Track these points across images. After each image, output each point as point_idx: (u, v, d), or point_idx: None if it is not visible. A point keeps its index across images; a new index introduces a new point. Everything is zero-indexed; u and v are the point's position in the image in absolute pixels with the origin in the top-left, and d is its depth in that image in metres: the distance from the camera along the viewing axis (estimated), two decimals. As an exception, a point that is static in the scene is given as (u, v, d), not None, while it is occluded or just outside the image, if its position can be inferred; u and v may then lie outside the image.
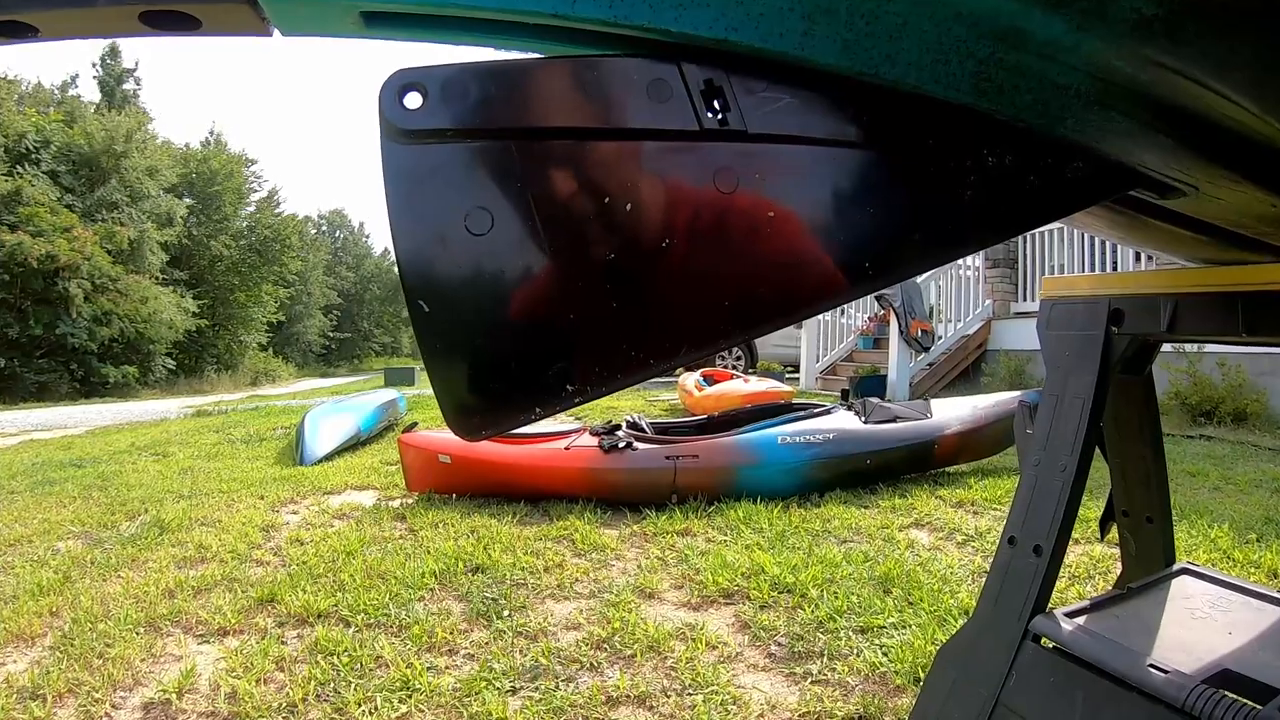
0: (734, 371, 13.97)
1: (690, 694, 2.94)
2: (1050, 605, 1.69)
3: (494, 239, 0.55)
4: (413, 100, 0.56)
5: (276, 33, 0.58)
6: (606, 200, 0.56)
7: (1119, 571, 2.25)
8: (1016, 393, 7.73)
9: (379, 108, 0.56)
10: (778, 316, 0.59)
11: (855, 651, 3.21)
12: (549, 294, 0.56)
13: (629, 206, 0.56)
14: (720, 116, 0.58)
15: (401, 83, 0.56)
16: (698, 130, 0.57)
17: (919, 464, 6.47)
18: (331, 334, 64.48)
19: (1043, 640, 1.62)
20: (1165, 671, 1.42)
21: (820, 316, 15.54)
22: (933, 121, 0.64)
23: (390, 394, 12.21)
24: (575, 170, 0.57)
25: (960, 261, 13.86)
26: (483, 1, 0.53)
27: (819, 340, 15.83)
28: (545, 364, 0.56)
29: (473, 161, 0.56)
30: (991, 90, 0.62)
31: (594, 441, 5.87)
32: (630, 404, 12.02)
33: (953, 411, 6.67)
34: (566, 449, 5.83)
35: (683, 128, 0.57)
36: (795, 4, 0.55)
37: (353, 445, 9.22)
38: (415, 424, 6.38)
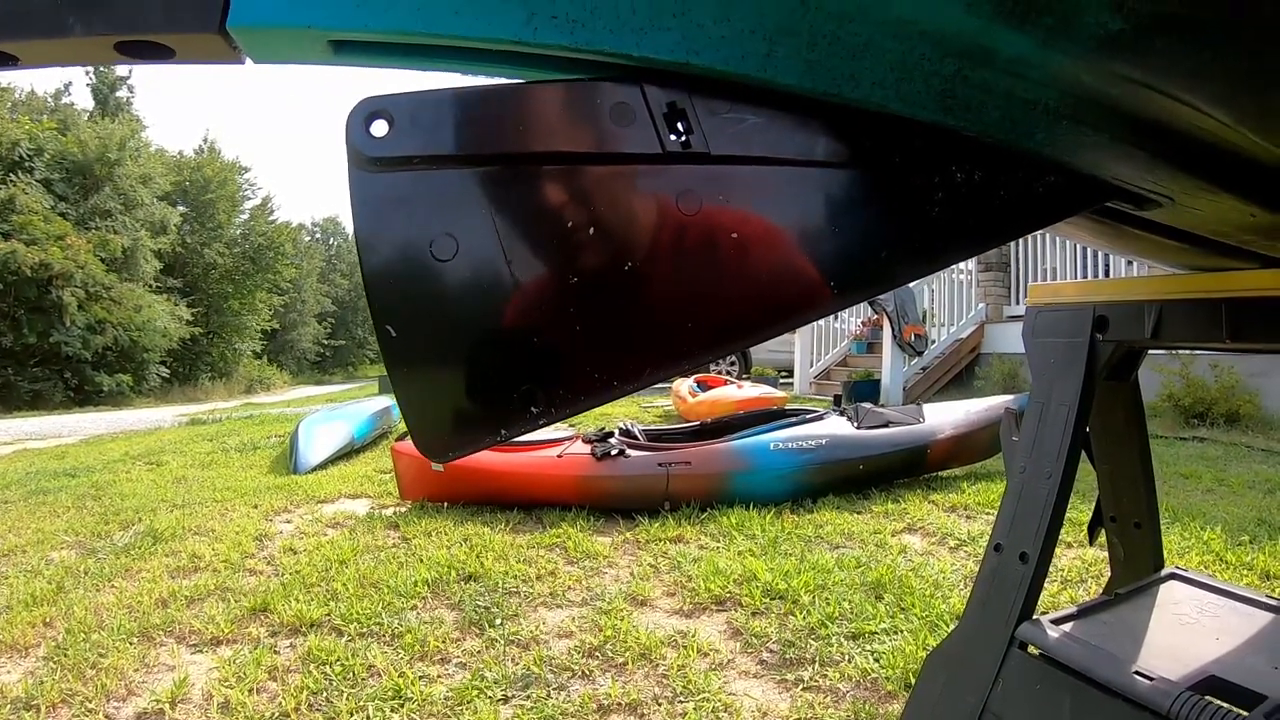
0: (727, 377, 13.96)
1: (682, 701, 2.93)
2: (1041, 610, 1.69)
3: (459, 265, 0.55)
4: (379, 128, 0.56)
5: (249, 61, 0.59)
6: (570, 225, 0.56)
7: (1109, 576, 2.25)
8: (1009, 397, 7.74)
9: (346, 135, 0.56)
10: (743, 337, 0.59)
11: (847, 658, 3.21)
12: (513, 318, 0.56)
13: (592, 231, 0.56)
14: (683, 139, 0.58)
15: (368, 110, 0.56)
16: (660, 153, 0.57)
17: (912, 469, 6.47)
18: (326, 341, 64.31)
19: (1029, 647, 1.63)
20: (1151, 678, 1.42)
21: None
22: (899, 139, 0.64)
23: (384, 402, 12.16)
24: (539, 195, 0.57)
25: (952, 265, 13.88)
26: (445, 29, 0.54)
27: (812, 345, 15.85)
28: (510, 387, 0.56)
29: (438, 188, 0.56)
30: (958, 107, 0.62)
31: (587, 449, 5.86)
32: (624, 411, 12.02)
33: (946, 416, 6.67)
34: (559, 456, 5.83)
35: (645, 151, 0.57)
36: (757, 26, 0.55)
37: (346, 453, 9.21)
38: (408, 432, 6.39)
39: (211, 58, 0.58)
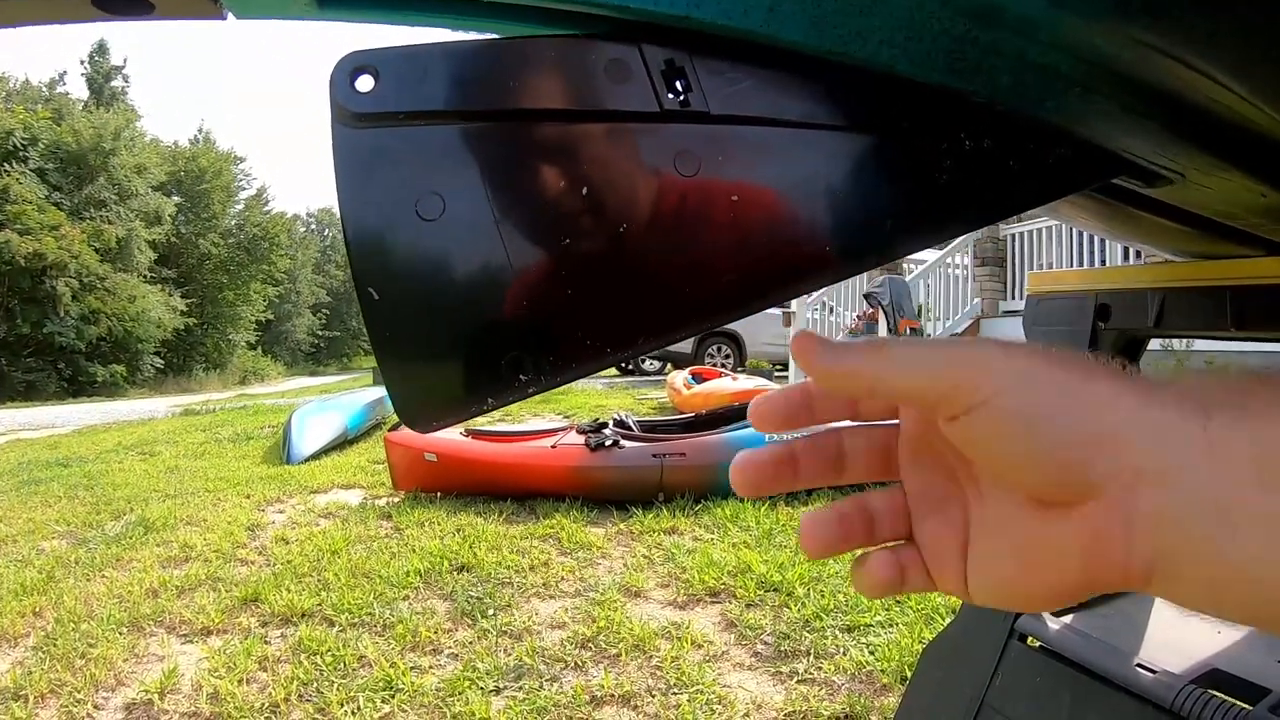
0: (722, 369, 13.97)
1: (675, 693, 2.92)
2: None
3: (445, 224, 0.53)
4: (364, 83, 0.54)
5: (230, 16, 0.56)
6: (561, 184, 0.53)
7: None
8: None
9: (330, 91, 0.54)
10: (738, 305, 0.57)
11: (842, 650, 3.20)
12: (500, 281, 0.53)
13: (585, 191, 0.53)
14: (681, 97, 0.55)
15: (353, 65, 0.54)
16: (658, 112, 0.55)
17: (908, 461, 6.45)
18: (320, 332, 64.32)
19: (1029, 639, 1.61)
20: (1154, 671, 1.40)
21: (808, 315, 15.56)
22: (906, 102, 0.61)
23: (378, 392, 12.13)
24: (529, 154, 0.54)
25: (948, 260, 13.89)
26: (433, -20, 0.52)
27: (808, 338, 15.81)
28: (497, 353, 0.54)
29: (424, 145, 0.54)
30: (967, 70, 0.60)
31: (581, 439, 5.86)
32: (618, 402, 12.01)
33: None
34: (553, 447, 5.82)
35: (642, 109, 0.54)
36: (760, -22, 0.53)
37: (340, 444, 9.18)
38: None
39: (191, 13, 0.56)
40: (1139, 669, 1.41)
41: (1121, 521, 0.39)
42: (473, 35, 0.59)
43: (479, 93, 0.54)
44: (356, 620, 3.68)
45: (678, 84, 0.55)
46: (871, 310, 13.81)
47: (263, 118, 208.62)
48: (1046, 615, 1.62)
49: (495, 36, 0.57)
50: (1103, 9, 0.59)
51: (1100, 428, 0.40)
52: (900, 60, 0.58)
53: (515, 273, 0.52)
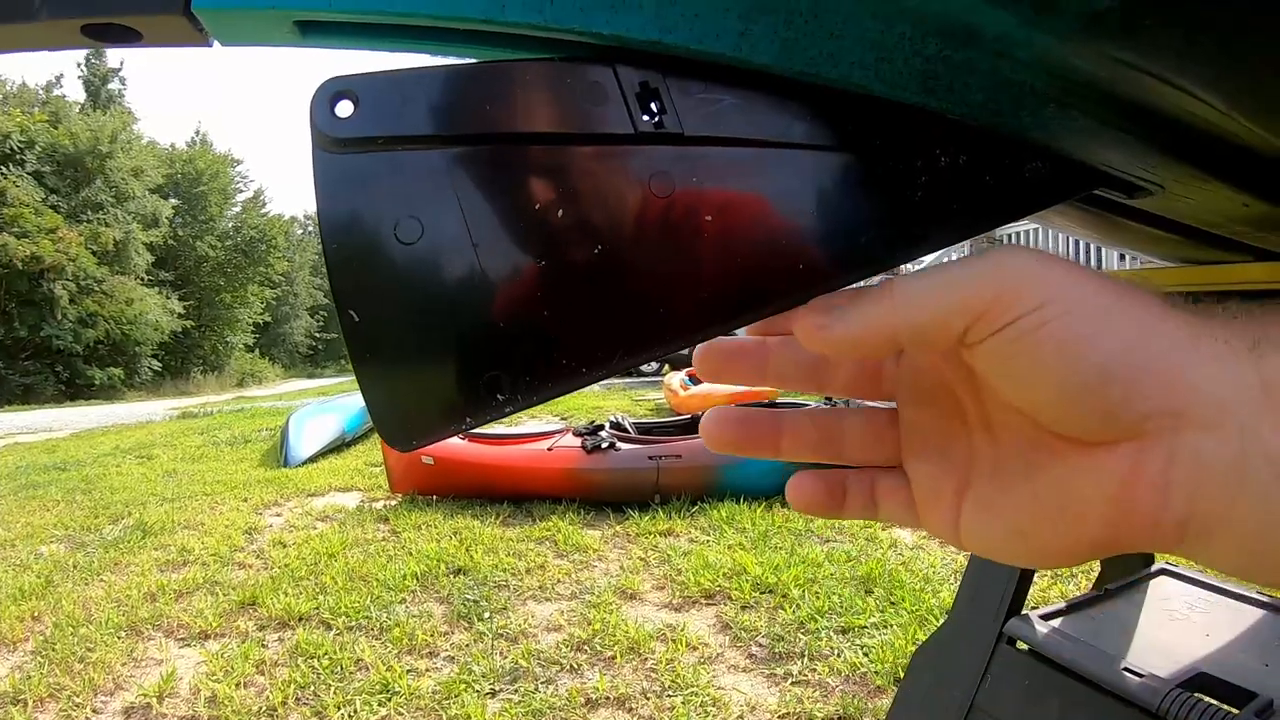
0: (721, 370, 13.97)
1: (670, 695, 2.93)
2: (1030, 605, 1.68)
3: (424, 247, 0.54)
4: (344, 109, 0.54)
5: (216, 44, 0.57)
6: (538, 207, 0.54)
7: (1099, 571, 2.24)
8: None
9: (310, 117, 0.54)
10: (714, 324, 0.58)
11: (836, 652, 3.20)
12: (479, 303, 0.54)
13: (560, 213, 0.54)
14: (656, 119, 0.56)
15: (333, 91, 0.54)
16: (633, 134, 0.55)
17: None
18: (318, 334, 64.16)
19: (1018, 643, 1.61)
20: (1140, 675, 1.40)
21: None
22: (879, 121, 0.62)
23: (376, 395, 12.12)
24: (506, 177, 0.55)
25: (946, 260, 13.89)
26: (411, 9, 0.52)
27: (805, 338, 15.81)
28: (475, 374, 0.54)
29: (403, 170, 0.55)
30: (940, 89, 0.61)
31: (577, 442, 5.85)
32: (615, 404, 12.02)
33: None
34: (549, 450, 5.82)
35: (617, 131, 0.55)
36: (731, 3, 0.54)
37: (337, 447, 9.17)
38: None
39: (179, 40, 0.57)
40: (1126, 672, 1.42)
41: (1160, 468, 0.35)
42: (452, 60, 0.60)
43: (457, 117, 0.55)
44: (353, 623, 3.69)
45: (652, 106, 0.56)
46: (869, 310, 13.81)
47: (260, 119, 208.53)
48: (1035, 619, 1.63)
49: (473, 61, 0.58)
50: (1078, 28, 0.60)
51: (1153, 356, 0.35)
52: (873, 81, 0.59)
53: (492, 294, 0.53)
